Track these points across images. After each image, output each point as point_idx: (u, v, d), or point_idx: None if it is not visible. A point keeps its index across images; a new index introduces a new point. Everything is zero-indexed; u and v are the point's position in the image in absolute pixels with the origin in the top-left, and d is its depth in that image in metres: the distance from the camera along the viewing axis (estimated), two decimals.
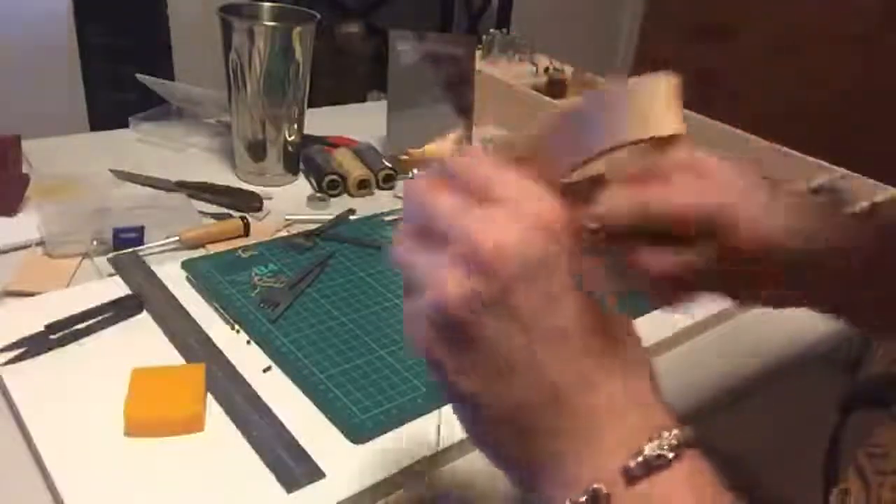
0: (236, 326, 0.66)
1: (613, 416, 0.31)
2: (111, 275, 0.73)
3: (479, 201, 0.32)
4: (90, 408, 0.55)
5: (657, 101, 0.33)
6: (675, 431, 0.31)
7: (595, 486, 0.30)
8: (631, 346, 0.33)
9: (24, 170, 0.90)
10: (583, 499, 0.30)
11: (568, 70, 1.23)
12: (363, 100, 2.03)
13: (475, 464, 0.55)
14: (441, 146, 0.44)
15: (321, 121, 1.08)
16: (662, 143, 0.33)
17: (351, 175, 0.95)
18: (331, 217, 0.87)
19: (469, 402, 0.33)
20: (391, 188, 0.97)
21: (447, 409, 0.36)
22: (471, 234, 0.31)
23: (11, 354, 0.60)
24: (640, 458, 0.30)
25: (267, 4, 0.95)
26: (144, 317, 0.67)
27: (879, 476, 0.40)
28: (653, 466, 0.30)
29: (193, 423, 0.55)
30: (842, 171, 0.96)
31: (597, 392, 0.31)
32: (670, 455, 0.30)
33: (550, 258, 0.31)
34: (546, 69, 1.22)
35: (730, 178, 0.40)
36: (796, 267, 0.40)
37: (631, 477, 0.30)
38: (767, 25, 2.62)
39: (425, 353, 0.33)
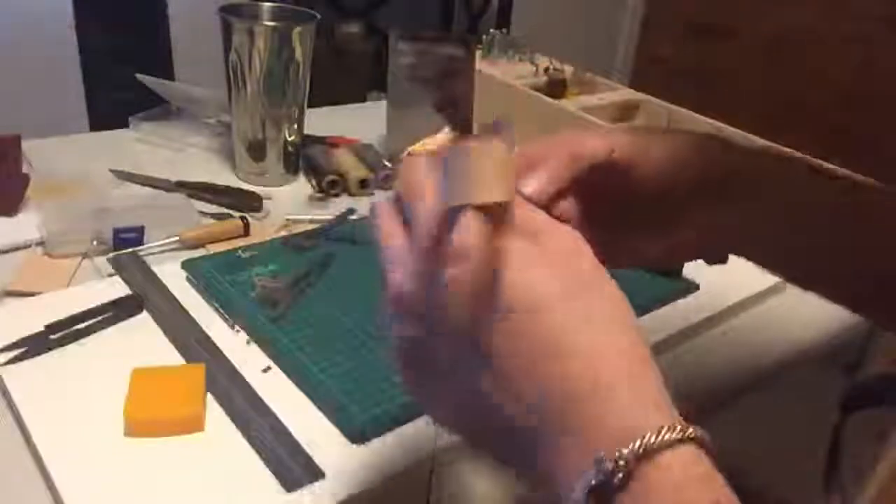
0: (236, 326, 0.66)
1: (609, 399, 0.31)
2: (111, 275, 0.73)
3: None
4: (90, 408, 0.55)
5: (486, 168, 0.34)
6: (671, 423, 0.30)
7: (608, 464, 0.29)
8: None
9: (24, 170, 0.90)
10: (594, 481, 0.29)
11: (568, 70, 1.23)
12: (363, 100, 2.03)
13: (476, 463, 0.55)
14: (431, 144, 0.44)
15: (321, 121, 1.08)
16: (488, 208, 0.34)
17: (351, 175, 0.95)
18: (331, 217, 0.87)
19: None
20: (391, 188, 0.97)
21: None
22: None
23: (11, 354, 0.60)
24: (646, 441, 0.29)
25: (267, 4, 0.95)
26: (144, 317, 0.67)
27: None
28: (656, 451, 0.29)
29: (193, 423, 0.55)
30: (841, 171, 0.96)
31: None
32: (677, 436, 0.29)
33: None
34: (546, 69, 1.22)
35: (602, 133, 0.45)
36: (702, 199, 0.44)
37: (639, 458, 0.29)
38: (767, 25, 2.62)
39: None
